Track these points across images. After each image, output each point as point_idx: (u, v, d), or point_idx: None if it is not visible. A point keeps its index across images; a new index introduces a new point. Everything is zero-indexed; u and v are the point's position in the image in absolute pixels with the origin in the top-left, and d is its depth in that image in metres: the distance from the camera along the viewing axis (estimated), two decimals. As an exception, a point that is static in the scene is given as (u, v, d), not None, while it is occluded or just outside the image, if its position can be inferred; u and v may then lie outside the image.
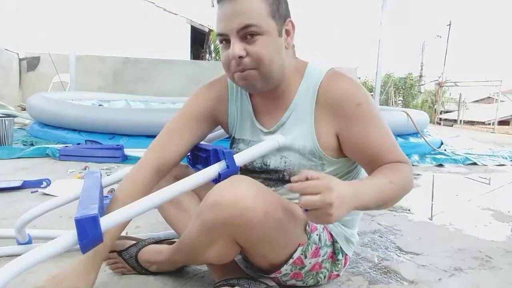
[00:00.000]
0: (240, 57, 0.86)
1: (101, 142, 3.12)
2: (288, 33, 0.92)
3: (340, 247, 0.99)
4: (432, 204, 2.09)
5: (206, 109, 1.05)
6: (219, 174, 0.86)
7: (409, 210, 1.90)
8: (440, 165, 3.29)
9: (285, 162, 0.97)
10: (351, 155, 0.95)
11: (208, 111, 1.06)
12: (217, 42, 0.93)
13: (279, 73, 0.92)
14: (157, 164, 1.00)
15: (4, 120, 3.18)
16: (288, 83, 0.96)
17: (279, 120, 0.98)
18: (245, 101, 1.05)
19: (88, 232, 0.71)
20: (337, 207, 0.70)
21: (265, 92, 0.96)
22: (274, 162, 0.99)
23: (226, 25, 0.86)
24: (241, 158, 0.91)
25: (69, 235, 0.72)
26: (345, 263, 1.03)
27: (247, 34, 0.85)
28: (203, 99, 1.06)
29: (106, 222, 0.76)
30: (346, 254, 1.02)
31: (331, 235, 0.98)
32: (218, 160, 0.90)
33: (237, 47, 0.85)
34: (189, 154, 1.11)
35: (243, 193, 0.79)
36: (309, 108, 0.94)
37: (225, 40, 0.88)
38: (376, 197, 0.80)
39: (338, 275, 1.05)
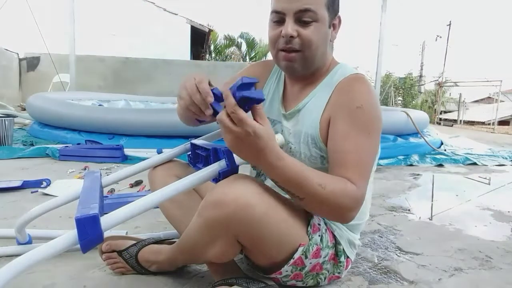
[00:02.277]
0: (291, 36, 0.90)
1: (101, 142, 3.12)
2: (334, 27, 0.98)
3: (343, 249, 0.99)
4: (432, 204, 2.09)
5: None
6: (219, 173, 0.86)
7: (409, 210, 1.90)
8: (440, 165, 3.29)
9: (290, 149, 1.01)
10: (328, 146, 0.94)
11: None
12: (269, 18, 0.95)
13: (319, 61, 0.97)
14: None
15: (4, 120, 3.18)
16: (319, 74, 1.00)
17: (297, 106, 1.01)
18: (280, 84, 1.10)
19: (88, 231, 0.71)
20: (243, 144, 0.73)
21: (301, 76, 1.00)
22: None
23: (285, 4, 0.89)
24: None
25: (69, 235, 0.72)
26: (347, 266, 1.03)
27: (303, 17, 0.89)
28: (250, 69, 1.17)
29: (107, 221, 0.76)
30: (348, 257, 1.02)
31: (334, 236, 0.98)
32: (218, 159, 0.90)
33: (290, 27, 0.89)
34: (189, 153, 1.11)
35: (244, 192, 0.79)
36: (323, 101, 0.96)
37: (278, 18, 0.92)
38: (292, 181, 0.78)
39: (339, 277, 1.05)
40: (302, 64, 0.94)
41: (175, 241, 1.04)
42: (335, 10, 0.95)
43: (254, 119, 0.75)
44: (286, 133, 1.02)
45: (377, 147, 0.94)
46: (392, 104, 14.25)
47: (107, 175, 1.10)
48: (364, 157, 0.87)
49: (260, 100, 0.74)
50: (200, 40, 13.15)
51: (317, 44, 0.92)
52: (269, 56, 1.23)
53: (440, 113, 12.09)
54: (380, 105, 0.95)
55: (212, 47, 14.48)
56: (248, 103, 0.74)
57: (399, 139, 3.68)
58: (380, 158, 3.24)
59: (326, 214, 0.87)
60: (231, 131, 0.73)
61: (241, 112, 0.71)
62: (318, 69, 0.99)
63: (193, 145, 1.09)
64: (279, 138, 0.95)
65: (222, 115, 0.73)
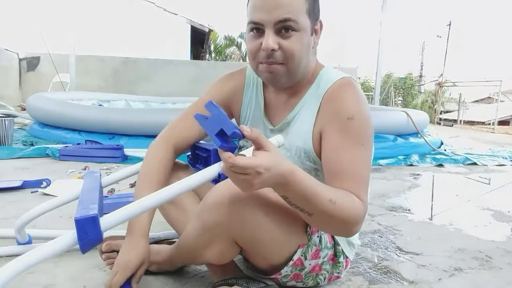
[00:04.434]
0: (273, 49, 0.85)
1: (101, 142, 3.12)
2: (316, 32, 0.93)
3: (342, 249, 0.99)
4: (432, 204, 2.09)
5: (221, 99, 1.07)
6: (219, 174, 0.86)
7: (409, 210, 1.90)
8: (440, 165, 3.29)
9: None
10: (322, 160, 0.91)
11: (223, 102, 1.06)
12: (246, 31, 0.90)
13: (303, 70, 0.93)
14: (173, 144, 1.05)
15: (4, 120, 3.18)
16: (304, 83, 0.96)
17: (285, 119, 0.98)
18: (259, 96, 1.05)
19: (88, 232, 0.71)
20: (256, 185, 0.67)
21: (285, 87, 0.96)
22: None
23: (263, 14, 0.84)
24: None
25: (69, 235, 0.72)
26: (346, 266, 1.03)
27: (284, 28, 0.84)
28: (220, 89, 1.09)
29: (106, 222, 0.76)
30: (347, 257, 1.02)
31: (333, 237, 0.98)
32: (218, 160, 0.90)
33: (271, 40, 0.84)
34: (189, 153, 1.11)
35: (242, 194, 0.79)
36: (312, 112, 0.93)
37: (257, 29, 0.87)
38: (303, 197, 0.73)
39: (338, 277, 1.05)
40: (285, 76, 0.90)
41: (175, 241, 1.04)
42: (316, 15, 0.90)
43: (257, 148, 0.68)
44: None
45: (371, 155, 0.91)
46: (392, 104, 14.25)
47: (107, 175, 1.10)
48: (361, 169, 0.85)
49: (238, 135, 0.68)
50: (200, 40, 13.17)
51: (300, 55, 0.87)
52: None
53: (440, 113, 12.08)
54: (369, 109, 0.91)
55: (212, 47, 14.49)
56: (229, 142, 0.69)
57: (399, 139, 3.68)
58: (380, 158, 3.24)
59: (333, 230, 0.84)
60: (241, 180, 0.67)
61: (239, 161, 0.64)
62: (303, 78, 0.95)
63: (193, 146, 1.09)
64: (280, 139, 0.95)
65: (225, 170, 0.67)
